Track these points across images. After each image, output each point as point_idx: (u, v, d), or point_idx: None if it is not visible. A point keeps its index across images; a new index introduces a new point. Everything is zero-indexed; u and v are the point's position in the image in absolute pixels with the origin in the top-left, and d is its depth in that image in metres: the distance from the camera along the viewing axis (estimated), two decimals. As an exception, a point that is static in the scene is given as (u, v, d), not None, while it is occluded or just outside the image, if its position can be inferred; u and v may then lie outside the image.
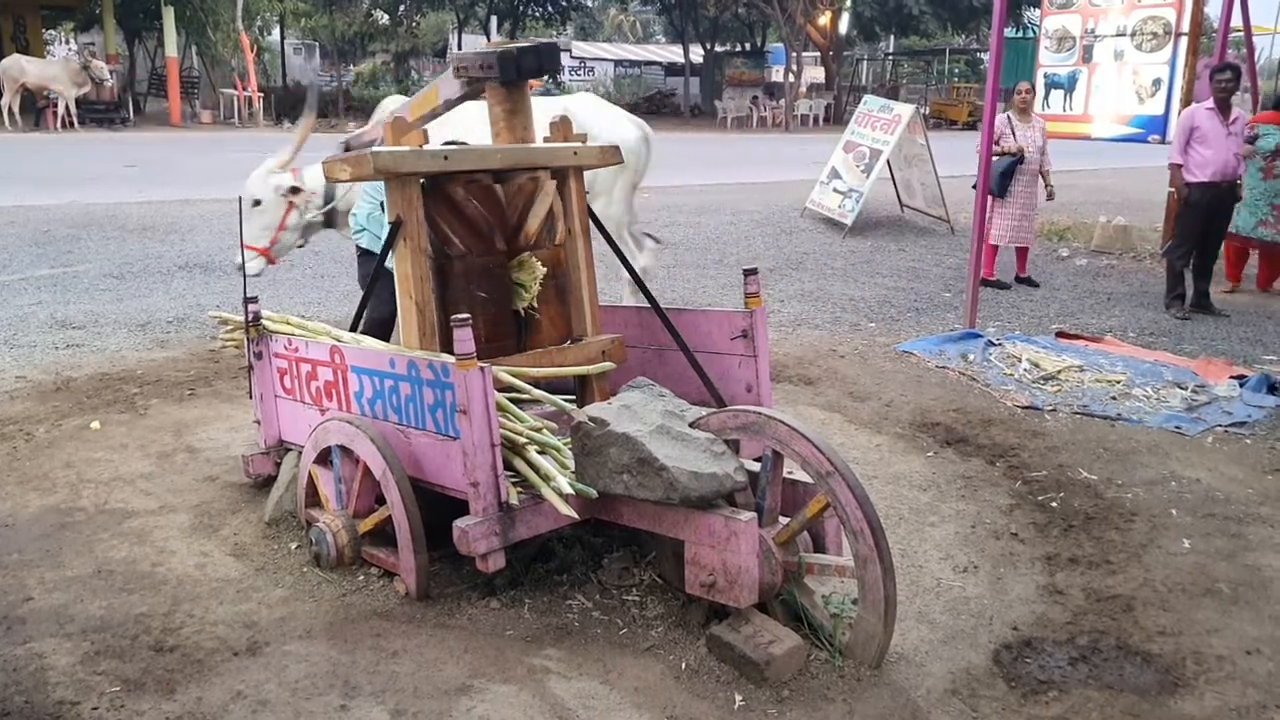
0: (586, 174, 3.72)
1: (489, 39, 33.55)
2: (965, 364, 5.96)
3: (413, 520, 3.00)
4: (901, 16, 34.18)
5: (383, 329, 4.37)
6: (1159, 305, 7.75)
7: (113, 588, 3.14)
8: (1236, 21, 9.10)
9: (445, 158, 3.20)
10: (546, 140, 3.56)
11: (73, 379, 5.30)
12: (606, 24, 53.56)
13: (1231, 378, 5.64)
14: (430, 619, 2.99)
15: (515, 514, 2.91)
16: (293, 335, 3.60)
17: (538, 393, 3.18)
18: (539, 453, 2.97)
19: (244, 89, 25.94)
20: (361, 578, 3.22)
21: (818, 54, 37.53)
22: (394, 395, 3.13)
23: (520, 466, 2.95)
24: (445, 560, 3.20)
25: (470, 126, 4.56)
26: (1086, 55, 9.60)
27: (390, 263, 3.24)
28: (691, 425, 2.92)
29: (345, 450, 3.23)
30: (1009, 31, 31.80)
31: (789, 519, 2.85)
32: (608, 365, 3.50)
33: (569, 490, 2.83)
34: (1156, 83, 9.10)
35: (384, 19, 33.24)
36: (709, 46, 38.80)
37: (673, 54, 43.18)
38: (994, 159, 8.06)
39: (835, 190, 11.10)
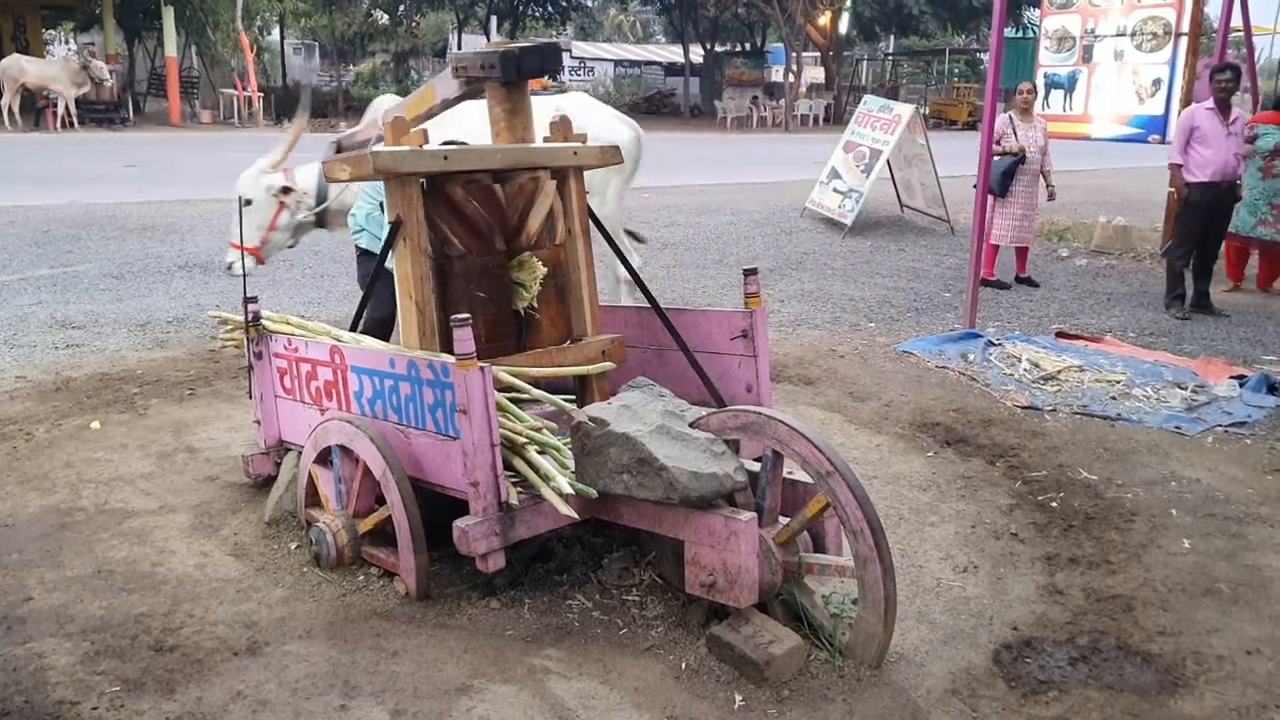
0: (582, 174, 3.72)
1: (489, 39, 33.55)
2: (965, 364, 5.96)
3: (413, 520, 3.00)
4: (901, 16, 34.18)
5: (383, 329, 4.37)
6: (1159, 305, 7.76)
7: (113, 588, 3.14)
8: (1236, 21, 9.10)
9: (445, 158, 3.20)
10: (546, 140, 3.56)
11: (73, 379, 5.30)
12: (606, 24, 53.57)
13: (1231, 378, 5.64)
14: (430, 619, 2.99)
15: (515, 514, 2.91)
16: (292, 335, 3.60)
17: (538, 393, 3.18)
18: (539, 453, 2.96)
19: (244, 89, 25.94)
20: (361, 578, 3.22)
21: (818, 54, 37.55)
22: (394, 395, 3.13)
23: (520, 466, 2.94)
24: (445, 560, 3.20)
25: (470, 127, 4.56)
26: (1086, 55, 9.61)
27: (390, 263, 3.24)
28: (691, 425, 2.92)
29: (345, 450, 3.23)
30: (1009, 31, 31.81)
31: (789, 519, 2.85)
32: (608, 365, 3.50)
33: (569, 490, 2.83)
34: (1156, 83, 9.10)
35: (384, 19, 33.26)
36: (709, 46, 38.81)
37: (673, 54, 43.20)
38: (996, 159, 8.08)
39: (835, 190, 11.11)
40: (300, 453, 3.54)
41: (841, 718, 2.55)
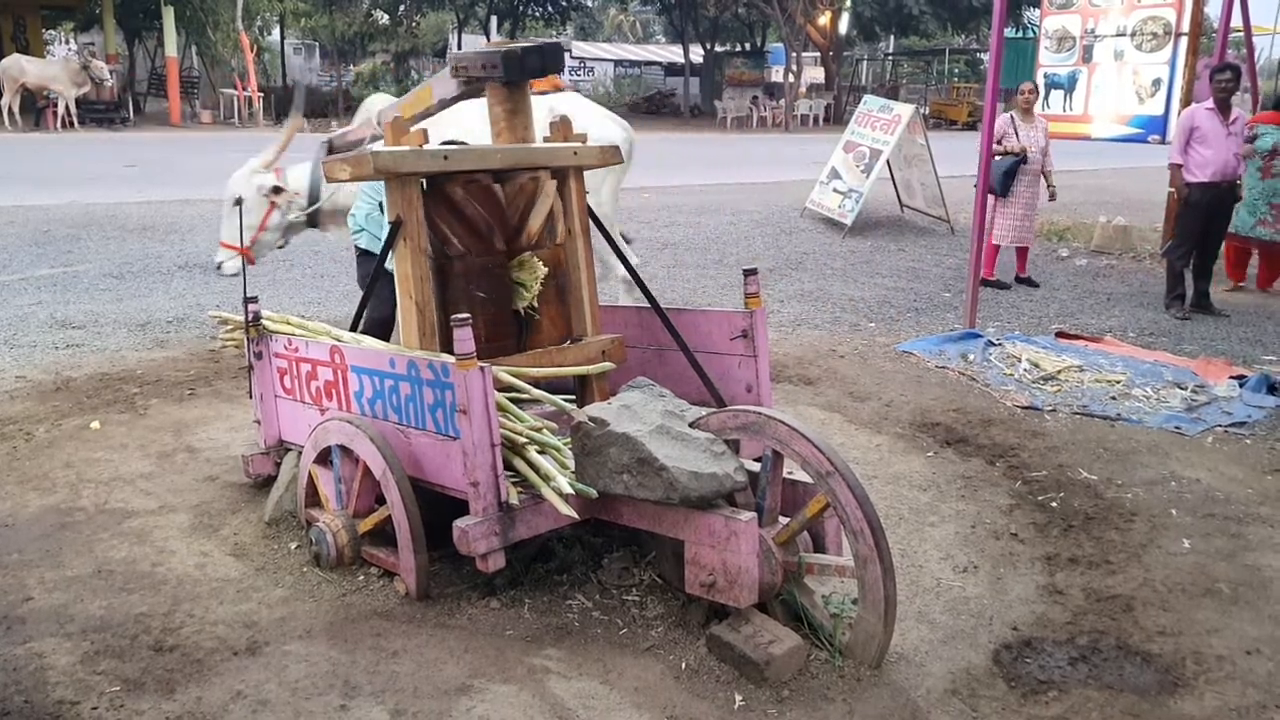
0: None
1: (489, 39, 33.54)
2: (965, 364, 5.96)
3: (413, 520, 3.00)
4: (901, 16, 34.18)
5: (383, 329, 4.37)
6: (1159, 305, 7.76)
7: (113, 588, 3.14)
8: (1236, 21, 9.10)
9: (445, 157, 3.20)
10: (546, 140, 3.56)
11: (73, 379, 5.30)
12: (606, 24, 53.57)
13: (1231, 378, 5.64)
14: (430, 619, 2.99)
15: (515, 514, 2.91)
16: (293, 335, 3.60)
17: (538, 393, 3.18)
18: (539, 453, 2.96)
19: (244, 89, 25.95)
20: (361, 578, 3.22)
21: (818, 54, 37.55)
22: (394, 395, 3.13)
23: (520, 466, 2.95)
24: (445, 560, 3.20)
25: (470, 127, 4.56)
26: (1086, 55, 9.61)
27: (390, 263, 3.24)
28: (691, 425, 2.92)
29: (345, 450, 3.23)
30: (1009, 31, 31.80)
31: (789, 519, 2.85)
32: (608, 365, 3.50)
33: (569, 490, 2.83)
34: (1156, 83, 9.10)
35: (384, 19, 33.25)
36: (709, 46, 38.81)
37: (673, 54, 43.20)
38: (997, 158, 8.08)
39: (835, 190, 11.10)
40: (300, 453, 3.54)
41: (841, 718, 2.55)
